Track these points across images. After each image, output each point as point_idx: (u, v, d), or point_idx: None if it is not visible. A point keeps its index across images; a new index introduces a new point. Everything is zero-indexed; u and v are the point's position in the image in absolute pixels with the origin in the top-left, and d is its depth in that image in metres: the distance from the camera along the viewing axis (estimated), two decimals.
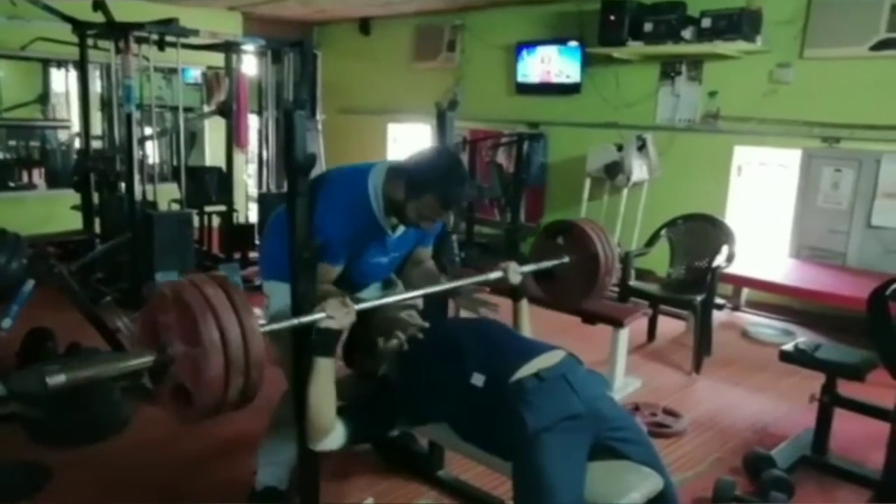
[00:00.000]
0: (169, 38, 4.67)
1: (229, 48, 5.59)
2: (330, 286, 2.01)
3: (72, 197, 5.45)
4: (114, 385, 2.99)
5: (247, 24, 7.42)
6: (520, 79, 6.30)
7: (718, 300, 4.53)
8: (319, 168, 4.49)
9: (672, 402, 3.40)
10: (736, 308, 5.08)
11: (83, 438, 2.81)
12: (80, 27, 4.86)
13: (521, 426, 1.68)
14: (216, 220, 5.85)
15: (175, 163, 6.00)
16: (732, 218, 5.00)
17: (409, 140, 7.46)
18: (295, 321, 1.71)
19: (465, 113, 5.55)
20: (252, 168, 6.79)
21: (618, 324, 3.41)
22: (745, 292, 5.10)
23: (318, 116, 6.56)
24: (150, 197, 4.80)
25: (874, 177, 4.46)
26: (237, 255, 5.60)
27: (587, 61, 5.82)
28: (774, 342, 4.10)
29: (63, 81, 6.70)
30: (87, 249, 4.87)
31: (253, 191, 6.89)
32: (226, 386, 1.39)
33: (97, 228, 5.22)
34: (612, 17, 5.31)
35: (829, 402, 2.72)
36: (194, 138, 6.88)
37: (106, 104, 5.56)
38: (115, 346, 3.26)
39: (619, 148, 5.31)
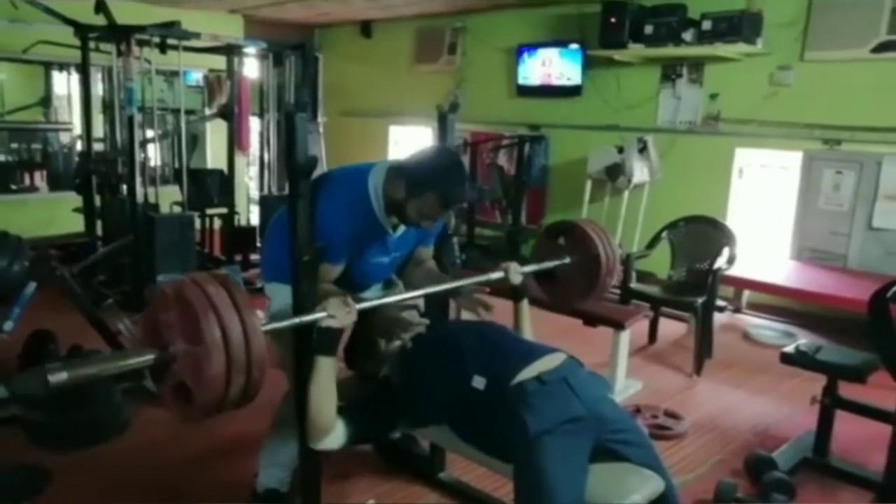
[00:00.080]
0: (170, 41, 4.69)
1: (231, 51, 5.61)
2: (331, 286, 2.01)
3: (74, 199, 5.45)
4: (115, 387, 3.00)
5: (248, 26, 7.44)
6: (521, 81, 6.30)
7: (719, 302, 4.53)
8: (320, 171, 4.48)
9: (673, 405, 3.39)
10: (737, 310, 5.07)
11: (84, 441, 2.80)
12: (81, 30, 4.87)
13: (523, 429, 1.68)
14: (217, 223, 5.85)
15: (177, 165, 6.02)
16: (733, 220, 5.00)
17: (410, 142, 7.46)
18: (296, 320, 1.71)
19: (466, 115, 5.54)
20: (253, 170, 6.81)
21: (619, 326, 3.41)
22: (746, 294, 5.09)
23: (320, 119, 6.59)
24: (151, 199, 4.80)
25: (875, 179, 4.46)
26: (238, 258, 5.61)
27: (588, 63, 5.81)
28: (775, 344, 4.11)
29: (65, 84, 6.72)
30: (89, 252, 4.88)
31: (254, 193, 6.91)
32: (227, 384, 1.39)
33: (99, 231, 5.22)
34: (613, 20, 5.31)
35: (830, 404, 2.71)
36: (196, 141, 6.88)
37: (108, 107, 5.57)
38: (117, 349, 3.26)
39: (620, 150, 5.31)
